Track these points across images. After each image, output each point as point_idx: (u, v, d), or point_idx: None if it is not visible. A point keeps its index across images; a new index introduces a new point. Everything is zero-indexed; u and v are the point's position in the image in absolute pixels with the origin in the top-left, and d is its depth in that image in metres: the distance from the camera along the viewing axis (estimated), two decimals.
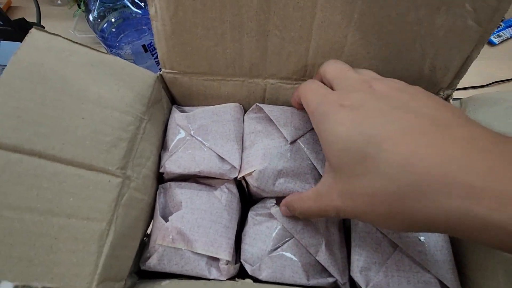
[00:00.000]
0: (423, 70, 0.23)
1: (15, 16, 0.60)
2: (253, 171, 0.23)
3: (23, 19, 0.41)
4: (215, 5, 0.21)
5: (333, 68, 0.20)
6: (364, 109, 0.16)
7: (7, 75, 0.19)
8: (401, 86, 0.18)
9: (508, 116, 0.21)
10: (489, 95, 0.23)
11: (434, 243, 0.21)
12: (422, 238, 0.21)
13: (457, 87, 0.50)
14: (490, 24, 0.20)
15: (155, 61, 0.35)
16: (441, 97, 0.25)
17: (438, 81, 0.24)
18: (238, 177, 0.24)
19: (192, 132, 0.25)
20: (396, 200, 0.14)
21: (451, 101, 0.24)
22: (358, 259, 0.22)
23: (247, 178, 0.24)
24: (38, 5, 0.45)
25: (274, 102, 0.27)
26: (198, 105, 0.28)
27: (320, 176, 0.24)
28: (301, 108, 0.22)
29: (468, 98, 0.24)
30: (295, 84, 0.26)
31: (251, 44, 0.23)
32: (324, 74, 0.21)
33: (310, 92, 0.20)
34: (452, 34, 0.21)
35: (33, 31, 0.20)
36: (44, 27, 0.43)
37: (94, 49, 0.22)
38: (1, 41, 0.39)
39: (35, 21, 0.44)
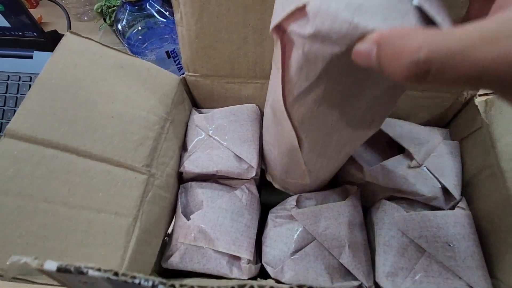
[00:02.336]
0: None
1: (45, 30, 0.64)
2: None
3: (55, 31, 0.43)
4: (238, 10, 0.22)
5: None
6: None
7: (45, 75, 0.20)
8: None
9: None
10: None
11: (465, 248, 0.20)
12: (451, 244, 0.20)
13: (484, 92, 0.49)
14: None
15: (177, 67, 0.37)
16: (464, 98, 0.24)
17: None
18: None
19: (210, 132, 0.26)
20: None
21: (475, 100, 0.24)
22: (384, 264, 0.21)
23: None
24: (69, 18, 0.48)
25: None
26: (218, 107, 0.29)
27: None
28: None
29: (493, 98, 0.23)
30: None
31: (272, 47, 0.23)
32: None
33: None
34: None
35: (68, 34, 0.22)
36: None
37: (123, 52, 0.23)
38: (35, 51, 0.41)
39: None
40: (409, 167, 0.24)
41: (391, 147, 0.26)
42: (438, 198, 0.22)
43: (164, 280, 0.09)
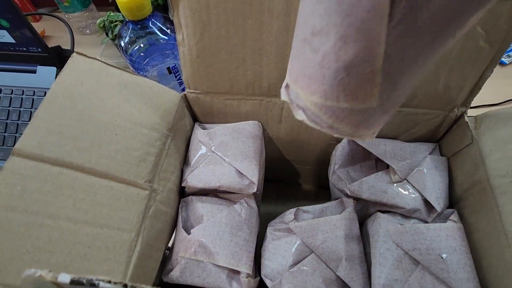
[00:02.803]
0: (438, 88, 0.24)
1: (48, 44, 0.66)
2: None
3: (59, 47, 0.44)
4: (237, 32, 0.23)
5: None
6: None
7: (52, 94, 0.21)
8: None
9: None
10: (503, 110, 0.23)
11: (457, 260, 0.21)
12: (444, 255, 0.21)
13: (471, 106, 0.50)
14: (502, 45, 0.21)
15: (178, 82, 0.38)
16: (455, 114, 0.25)
17: (452, 99, 0.25)
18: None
19: (213, 148, 0.27)
20: None
21: (465, 118, 0.25)
22: (379, 276, 0.22)
23: None
24: (72, 33, 0.49)
25: (291, 120, 0.28)
26: (219, 123, 0.30)
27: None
28: None
29: (482, 115, 0.24)
30: None
31: (270, 66, 0.25)
32: None
33: None
34: (464, 54, 0.22)
35: (74, 55, 0.23)
36: None
37: (127, 71, 0.24)
38: (38, 66, 0.42)
39: (69, 48, 0.47)
40: (392, 182, 0.25)
41: (379, 166, 0.27)
42: (419, 210, 0.23)
43: None
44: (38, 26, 0.68)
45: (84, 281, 0.09)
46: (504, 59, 0.55)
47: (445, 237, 0.22)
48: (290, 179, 0.41)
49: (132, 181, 0.21)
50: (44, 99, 0.20)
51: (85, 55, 0.23)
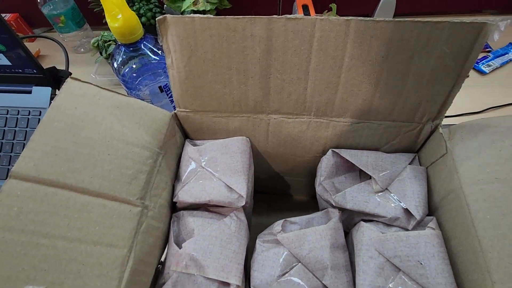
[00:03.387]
0: (412, 103, 0.26)
1: (43, 63, 0.67)
2: None
3: (54, 67, 0.46)
4: (222, 55, 0.24)
5: None
6: None
7: (48, 118, 0.22)
8: None
9: (494, 141, 0.23)
10: (475, 122, 0.25)
11: (435, 266, 0.22)
12: (422, 262, 0.22)
13: (454, 114, 0.52)
14: (467, 63, 0.23)
15: (169, 100, 0.39)
16: (431, 126, 0.27)
17: (426, 113, 0.26)
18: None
19: (203, 164, 0.28)
20: None
21: (440, 129, 0.27)
22: (363, 284, 0.23)
23: None
24: (66, 54, 0.51)
25: (277, 134, 0.30)
26: (209, 139, 0.31)
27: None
28: None
29: (455, 126, 0.26)
30: (296, 118, 0.28)
31: (255, 85, 0.26)
32: None
33: None
34: (434, 72, 0.24)
35: (69, 80, 0.24)
36: (71, 73, 0.48)
37: (119, 93, 0.26)
38: (34, 87, 0.43)
39: (64, 68, 0.49)
40: (373, 192, 0.26)
41: (363, 176, 0.28)
42: (400, 218, 0.24)
43: None
44: (33, 46, 0.69)
45: None
46: (484, 68, 0.57)
47: (424, 244, 0.23)
48: (281, 190, 0.42)
49: (125, 199, 0.22)
50: (40, 123, 0.21)
51: (79, 80, 0.24)
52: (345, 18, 0.22)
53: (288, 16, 0.22)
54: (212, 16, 0.23)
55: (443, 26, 0.21)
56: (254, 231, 0.30)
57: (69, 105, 0.23)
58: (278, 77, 0.26)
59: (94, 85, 0.25)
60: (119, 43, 0.33)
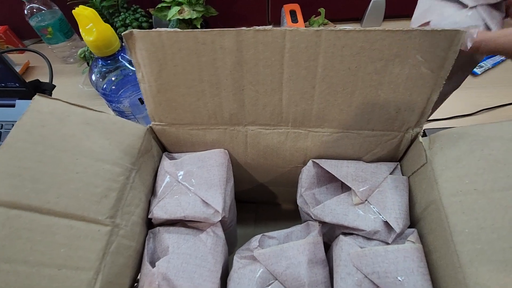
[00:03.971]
0: (390, 112, 0.25)
1: (32, 74, 0.67)
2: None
3: (37, 80, 0.45)
4: (193, 68, 0.24)
5: None
6: None
7: (12, 138, 0.21)
8: None
9: (472, 150, 0.22)
10: (454, 130, 0.24)
11: (414, 283, 0.21)
12: (400, 278, 0.21)
13: (446, 117, 0.51)
14: (442, 71, 0.22)
15: None
16: (411, 135, 0.26)
17: (405, 121, 0.26)
18: None
19: (179, 178, 0.27)
20: None
21: (419, 138, 0.26)
22: None
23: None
24: (51, 66, 0.51)
25: (256, 146, 0.29)
26: (187, 151, 0.30)
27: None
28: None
29: (435, 135, 0.25)
30: (274, 129, 0.28)
31: (228, 98, 0.25)
32: None
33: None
34: (409, 80, 0.23)
35: (36, 97, 0.23)
36: (55, 86, 0.47)
37: (90, 109, 0.25)
38: (17, 100, 0.43)
39: (48, 81, 0.49)
40: (353, 204, 0.25)
41: (345, 187, 0.28)
42: (380, 231, 0.24)
43: None
44: (23, 58, 0.69)
45: None
46: (476, 69, 0.56)
47: (403, 259, 0.22)
48: (267, 200, 0.42)
49: (93, 218, 0.22)
50: (3, 143, 0.21)
51: (48, 97, 0.24)
52: (315, 28, 0.22)
53: (257, 27, 0.22)
54: (179, 30, 0.22)
55: (414, 35, 0.21)
56: (241, 242, 0.29)
57: (35, 123, 0.22)
58: (252, 89, 0.25)
59: (63, 101, 0.24)
60: (96, 56, 0.33)
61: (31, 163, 0.21)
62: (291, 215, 0.43)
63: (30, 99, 0.43)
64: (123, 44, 0.35)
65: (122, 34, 0.22)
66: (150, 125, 0.28)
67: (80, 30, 0.30)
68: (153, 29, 0.22)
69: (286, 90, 0.25)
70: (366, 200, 0.26)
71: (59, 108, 0.24)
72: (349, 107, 0.25)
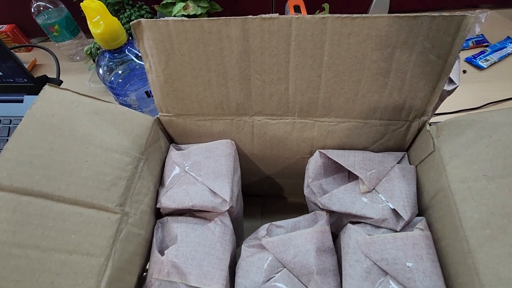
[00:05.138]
0: (397, 100, 0.25)
1: (39, 72, 0.68)
2: None
3: (44, 76, 0.46)
4: (200, 58, 0.24)
5: None
6: None
7: (23, 126, 0.22)
8: None
9: (481, 137, 0.22)
10: (462, 117, 0.24)
11: (423, 269, 0.21)
12: (409, 265, 0.21)
13: (453, 111, 0.51)
14: (450, 57, 0.22)
15: None
16: (418, 124, 0.26)
17: (412, 110, 0.25)
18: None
19: (186, 168, 0.27)
20: None
21: (427, 126, 0.26)
22: None
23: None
24: (58, 63, 0.51)
25: (262, 136, 0.29)
26: (194, 143, 0.31)
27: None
28: None
29: (442, 123, 0.25)
30: (280, 119, 0.28)
31: (235, 87, 0.26)
32: None
33: None
34: (416, 68, 0.23)
35: (46, 87, 0.24)
36: (62, 81, 0.48)
37: (98, 99, 0.25)
38: (25, 96, 0.44)
39: (55, 77, 0.49)
40: (361, 192, 0.25)
41: (351, 177, 0.28)
42: (388, 219, 0.24)
43: None
44: (30, 56, 0.70)
45: None
46: (482, 63, 0.56)
47: (412, 246, 0.22)
48: (274, 193, 0.42)
49: (103, 206, 0.22)
50: (15, 132, 0.21)
51: (57, 87, 0.24)
52: (321, 16, 0.22)
53: (263, 16, 0.22)
54: (186, 18, 0.22)
55: (422, 20, 0.21)
56: (248, 235, 0.29)
57: (45, 113, 0.23)
58: (258, 78, 0.25)
59: (72, 91, 0.24)
60: (103, 49, 0.33)
61: (42, 151, 0.21)
62: (297, 208, 0.42)
63: (38, 94, 0.44)
64: (129, 37, 0.35)
65: (131, 24, 0.22)
66: (158, 116, 0.29)
67: (88, 23, 0.31)
68: (161, 19, 0.22)
69: (293, 79, 0.25)
70: (373, 188, 0.25)
71: (68, 98, 0.24)
72: (356, 95, 0.25)
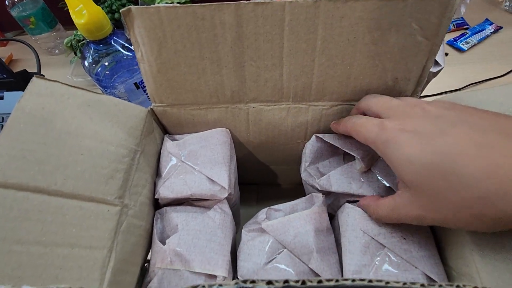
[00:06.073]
0: (387, 82, 0.26)
1: (16, 67, 0.65)
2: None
3: (24, 71, 0.44)
4: (193, 45, 0.24)
5: (376, 101, 0.23)
6: (427, 132, 0.18)
7: (13, 120, 0.21)
8: (448, 104, 0.20)
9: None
10: (449, 96, 0.25)
11: (418, 240, 0.22)
12: (406, 237, 0.22)
13: (436, 93, 0.53)
14: (437, 38, 0.23)
15: (147, 96, 0.38)
16: None
17: (402, 90, 0.26)
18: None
19: (182, 158, 0.27)
20: (483, 205, 0.15)
21: None
22: (349, 263, 0.23)
23: None
24: (38, 56, 0.49)
25: (258, 123, 0.30)
26: (188, 132, 0.30)
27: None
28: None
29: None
30: (275, 105, 0.28)
31: (230, 75, 0.26)
32: (368, 107, 0.23)
33: (362, 126, 0.22)
34: (405, 49, 0.24)
35: (34, 79, 0.23)
36: (44, 76, 0.46)
37: (90, 91, 0.25)
38: (5, 92, 0.42)
39: (36, 71, 0.47)
40: (357, 173, 0.26)
41: (346, 159, 0.29)
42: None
43: None
44: (5, 51, 0.67)
45: None
46: (463, 45, 0.58)
47: None
48: (269, 180, 0.42)
49: (102, 199, 0.22)
50: (4, 126, 0.20)
51: (45, 78, 0.23)
52: None
53: (256, 0, 0.22)
54: (178, 5, 0.22)
55: (410, 3, 0.21)
56: (244, 223, 0.29)
57: (35, 106, 0.22)
58: (253, 65, 0.25)
59: (61, 83, 0.24)
60: (88, 40, 0.32)
61: (35, 145, 0.21)
62: (292, 194, 0.43)
63: (19, 90, 0.42)
64: (114, 28, 0.34)
65: (120, 11, 0.22)
66: (151, 106, 0.28)
67: (70, 13, 0.29)
68: (152, 5, 0.22)
69: (287, 64, 0.25)
70: (369, 168, 0.26)
71: (58, 90, 0.23)
72: (348, 79, 0.26)
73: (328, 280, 0.10)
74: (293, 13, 0.22)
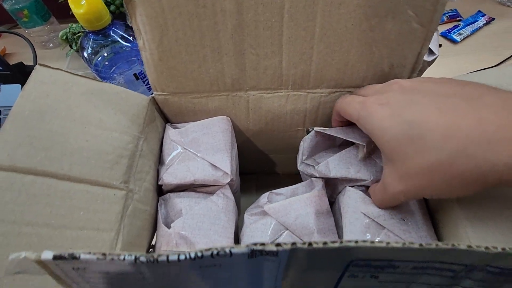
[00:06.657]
0: (383, 68, 0.27)
1: (10, 61, 0.64)
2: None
3: (21, 63, 0.44)
4: (195, 33, 0.24)
5: (365, 87, 0.25)
6: (399, 103, 0.19)
7: (18, 108, 0.21)
8: (425, 79, 0.21)
9: None
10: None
11: (416, 221, 0.23)
12: (405, 218, 0.23)
13: None
14: (432, 25, 0.24)
15: (147, 87, 0.38)
16: None
17: (397, 76, 0.27)
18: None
19: (185, 146, 0.28)
20: (448, 166, 0.16)
21: None
22: None
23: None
24: (33, 48, 0.49)
25: (257, 111, 0.30)
26: (189, 121, 0.31)
27: None
28: (343, 125, 0.27)
29: None
30: (274, 93, 0.29)
31: (230, 62, 0.26)
32: (358, 93, 0.26)
33: (348, 105, 0.24)
34: (401, 36, 0.24)
35: (38, 67, 0.23)
36: None
37: (93, 79, 0.25)
38: (2, 85, 0.41)
39: (32, 63, 0.47)
40: (355, 158, 0.27)
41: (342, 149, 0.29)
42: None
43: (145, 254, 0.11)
44: None
45: (66, 255, 0.11)
46: (456, 37, 0.59)
47: (405, 202, 0.24)
48: (268, 169, 0.43)
49: (108, 183, 0.22)
50: (10, 113, 0.21)
51: (49, 66, 0.24)
52: None
53: None
54: None
55: None
56: (244, 212, 0.30)
57: (39, 94, 0.22)
58: (253, 52, 0.26)
59: (65, 71, 0.24)
60: (87, 31, 0.32)
61: (41, 132, 0.21)
62: (290, 183, 0.44)
63: (16, 83, 0.42)
64: (112, 19, 0.34)
65: None
66: (153, 95, 0.29)
67: (69, 3, 0.29)
68: None
69: (286, 52, 0.26)
70: (370, 155, 0.27)
71: (62, 79, 0.24)
72: (346, 66, 0.26)
73: (333, 242, 0.11)
74: (293, 0, 0.23)
